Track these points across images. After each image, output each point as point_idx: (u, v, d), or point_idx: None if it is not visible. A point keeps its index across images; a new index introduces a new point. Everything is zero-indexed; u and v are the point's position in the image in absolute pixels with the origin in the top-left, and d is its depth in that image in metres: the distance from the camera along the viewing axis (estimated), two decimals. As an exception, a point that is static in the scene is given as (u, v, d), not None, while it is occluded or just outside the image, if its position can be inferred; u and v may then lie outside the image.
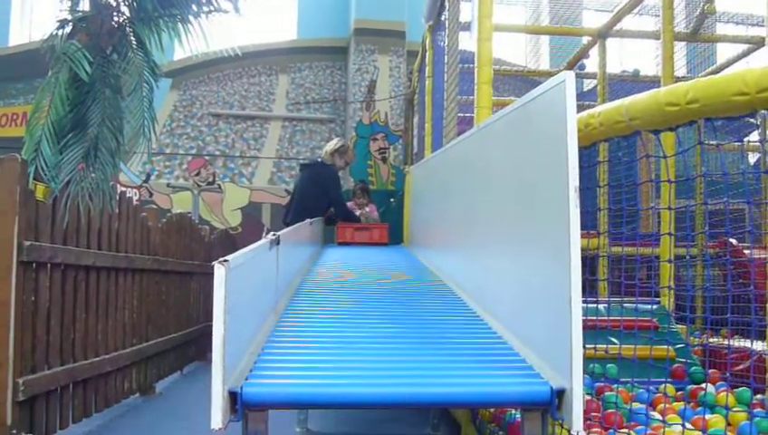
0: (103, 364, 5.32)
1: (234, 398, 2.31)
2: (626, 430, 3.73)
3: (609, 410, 4.31)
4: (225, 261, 2.29)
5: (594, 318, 5.10)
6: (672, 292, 7.28)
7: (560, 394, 2.37)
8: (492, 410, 4.51)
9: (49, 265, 4.57)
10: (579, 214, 2.40)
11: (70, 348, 4.87)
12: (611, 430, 3.84)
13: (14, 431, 4.05)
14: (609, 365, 5.39)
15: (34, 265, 4.41)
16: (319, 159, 8.81)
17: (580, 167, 2.45)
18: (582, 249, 2.39)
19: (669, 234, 5.91)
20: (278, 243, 3.72)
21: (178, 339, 7.36)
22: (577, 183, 2.38)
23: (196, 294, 8.20)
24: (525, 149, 3.02)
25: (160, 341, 6.72)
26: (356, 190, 9.84)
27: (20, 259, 4.19)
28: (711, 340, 6.69)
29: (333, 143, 8.64)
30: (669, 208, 5.15)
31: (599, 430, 3.82)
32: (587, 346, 4.33)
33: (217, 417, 2.23)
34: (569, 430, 2.81)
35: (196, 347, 8.11)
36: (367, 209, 9.43)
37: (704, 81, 2.65)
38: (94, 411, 5.26)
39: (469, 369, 2.71)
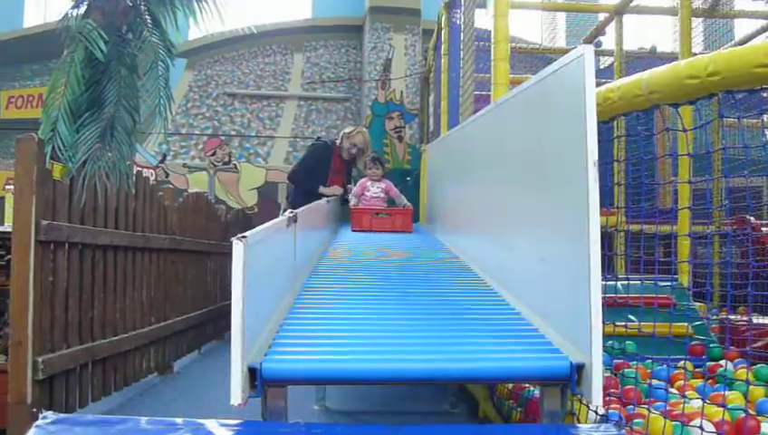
0: (122, 343, 5.34)
1: (253, 374, 2.31)
2: (645, 406, 3.72)
3: (628, 386, 4.29)
4: (244, 237, 2.29)
5: (612, 295, 5.08)
6: (690, 269, 7.25)
7: (579, 369, 2.36)
8: (510, 386, 4.50)
9: (67, 244, 4.58)
10: (598, 188, 2.38)
11: (88, 327, 4.89)
12: (630, 407, 3.83)
13: (34, 409, 4.07)
14: (627, 342, 5.37)
15: (52, 244, 4.42)
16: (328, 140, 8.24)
17: (599, 142, 2.43)
18: (600, 227, 2.38)
19: (688, 208, 5.87)
20: (296, 221, 3.71)
21: (196, 318, 7.38)
22: (596, 157, 2.36)
23: (213, 273, 8.21)
24: (544, 125, 3.00)
25: (178, 320, 6.74)
26: (366, 161, 7.64)
27: (38, 239, 4.20)
28: (729, 317, 6.65)
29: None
30: (688, 182, 5.10)
31: (617, 406, 3.80)
32: (606, 323, 4.33)
33: (237, 393, 2.23)
34: (588, 406, 2.80)
35: (213, 326, 8.13)
36: (381, 187, 7.52)
37: (724, 53, 2.62)
38: (113, 390, 5.28)
39: (488, 345, 2.70)
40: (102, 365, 5.08)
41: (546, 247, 2.90)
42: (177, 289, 6.85)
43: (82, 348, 4.74)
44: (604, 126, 3.24)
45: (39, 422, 2.21)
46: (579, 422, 2.95)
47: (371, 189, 7.49)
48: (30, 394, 4.11)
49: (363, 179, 7.58)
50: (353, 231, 6.91)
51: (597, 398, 2.30)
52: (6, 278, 4.73)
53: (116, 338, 5.25)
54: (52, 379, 4.36)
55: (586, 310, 2.35)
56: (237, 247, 2.25)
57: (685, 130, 3.36)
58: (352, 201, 7.39)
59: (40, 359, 4.17)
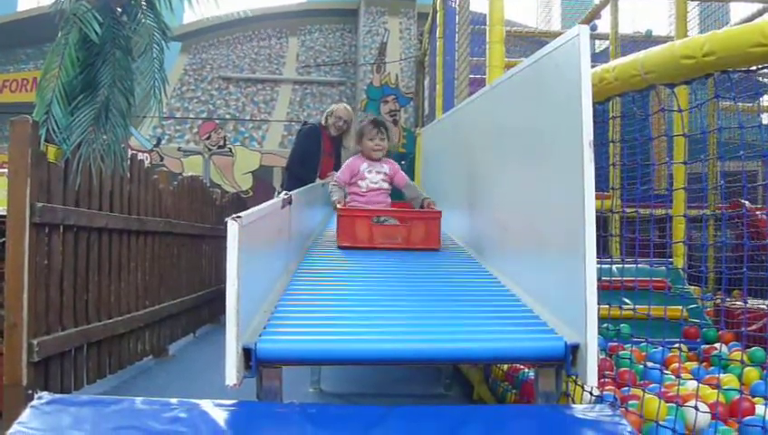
0: (116, 326, 5.34)
1: (248, 354, 2.31)
2: (639, 388, 3.73)
3: (623, 368, 4.31)
4: (239, 217, 2.28)
5: (607, 278, 5.09)
6: (685, 252, 7.27)
7: (574, 350, 2.36)
8: (504, 368, 4.52)
9: (61, 226, 4.57)
10: (593, 169, 2.38)
11: (83, 310, 4.89)
12: (625, 388, 3.85)
13: (30, 391, 4.08)
14: (621, 325, 5.38)
15: (47, 227, 4.41)
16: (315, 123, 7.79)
17: (594, 123, 2.43)
18: (596, 211, 2.38)
19: (683, 188, 5.88)
20: (290, 202, 3.71)
21: (191, 302, 7.38)
22: (591, 138, 2.36)
23: (208, 257, 8.20)
24: (539, 106, 2.99)
25: (173, 303, 6.74)
26: (362, 128, 5.13)
27: (32, 221, 4.19)
28: (723, 300, 6.67)
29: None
30: (683, 163, 5.11)
31: (612, 387, 3.82)
32: (600, 306, 4.34)
33: (232, 373, 2.23)
34: (583, 387, 2.81)
35: (208, 310, 8.14)
36: (384, 171, 5.04)
37: (720, 33, 2.61)
38: (108, 373, 5.29)
39: (483, 325, 2.70)
40: (97, 348, 5.08)
41: (542, 228, 2.90)
42: (172, 272, 6.84)
43: (77, 330, 4.73)
44: (600, 107, 3.23)
45: (34, 403, 2.21)
46: (574, 403, 2.96)
47: (369, 176, 4.97)
48: (25, 376, 4.11)
49: (353, 159, 5.06)
50: (340, 248, 4.46)
51: (592, 378, 2.30)
52: (1, 261, 4.73)
53: (111, 321, 5.25)
54: (47, 361, 4.36)
55: (581, 291, 2.35)
56: (232, 228, 2.25)
57: (680, 111, 3.35)
58: (336, 195, 4.83)
59: (35, 341, 4.17)
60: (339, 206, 4.67)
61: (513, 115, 3.48)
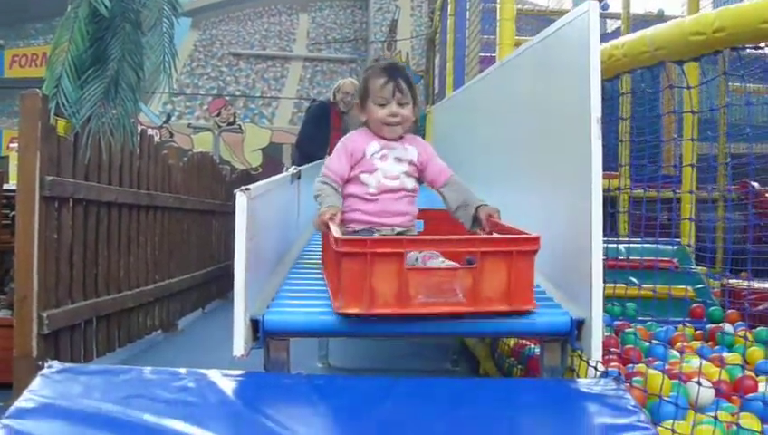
0: (126, 300, 5.38)
1: (255, 326, 2.33)
2: (644, 364, 3.75)
3: (628, 346, 4.33)
4: (247, 189, 2.30)
5: (614, 258, 5.10)
6: (692, 233, 7.27)
7: (579, 325, 2.38)
8: (510, 344, 4.54)
9: (71, 200, 4.60)
10: (600, 146, 2.38)
11: (93, 284, 4.92)
12: (630, 365, 3.87)
13: (40, 363, 4.12)
14: (628, 304, 5.40)
15: (57, 201, 4.44)
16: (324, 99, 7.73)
17: (603, 100, 2.43)
18: (603, 190, 2.39)
19: (691, 165, 5.87)
20: (299, 177, 3.72)
21: (200, 277, 7.42)
22: (599, 114, 2.36)
23: (217, 233, 8.24)
24: (548, 82, 3.00)
25: (182, 278, 6.78)
26: (369, 79, 2.85)
27: (42, 194, 4.22)
28: (731, 281, 6.68)
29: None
30: (691, 140, 5.10)
31: (617, 364, 3.84)
32: (607, 285, 4.36)
33: (239, 344, 2.26)
34: (587, 362, 2.83)
35: (217, 286, 8.17)
36: (411, 153, 2.88)
37: (731, 9, 2.61)
38: (117, 346, 5.34)
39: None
40: (107, 321, 5.12)
41: (549, 204, 2.91)
42: (182, 248, 6.88)
43: (87, 304, 4.77)
44: (608, 84, 3.23)
45: (44, 372, 2.24)
46: (579, 378, 2.98)
47: (382, 166, 2.86)
48: (35, 348, 4.15)
49: (355, 135, 2.95)
50: (338, 313, 2.37)
51: (597, 353, 2.32)
52: (11, 236, 4.76)
53: (120, 295, 5.30)
54: (57, 334, 4.41)
55: (587, 267, 2.36)
56: (240, 199, 2.27)
57: (689, 88, 3.35)
58: (325, 202, 2.75)
59: (45, 314, 4.21)
60: (332, 227, 2.47)
61: (523, 92, 3.49)
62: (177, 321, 6.73)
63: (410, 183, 2.88)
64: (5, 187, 6.13)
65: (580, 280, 2.41)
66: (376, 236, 2.70)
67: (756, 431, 2.79)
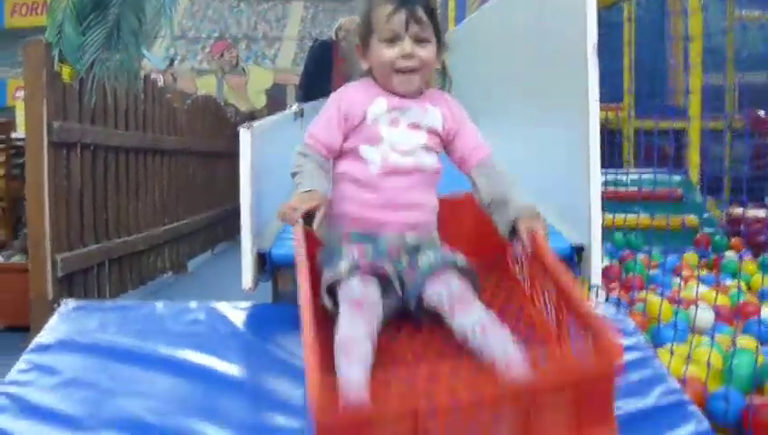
0: (136, 243, 5.46)
1: (263, 259, 2.40)
2: (644, 291, 3.82)
3: (631, 274, 4.39)
4: (250, 126, 2.35)
5: (621, 189, 5.15)
6: (698, 164, 7.30)
7: (579, 251, 2.44)
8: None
9: (79, 145, 4.64)
10: (597, 73, 2.41)
11: (103, 227, 4.99)
12: (632, 292, 3.94)
13: (56, 305, 4.20)
14: (632, 234, 5.46)
15: (65, 147, 4.48)
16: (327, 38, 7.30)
17: (603, 29, 2.46)
18: (608, 121, 2.43)
19: (699, 93, 5.88)
20: (302, 115, 3.76)
21: (208, 219, 7.49)
22: (595, 41, 2.39)
23: (223, 175, 8.27)
24: (545, 12, 3.02)
25: (190, 221, 6.85)
26: (373, 11, 1.97)
27: (50, 140, 4.25)
28: (736, 210, 6.73)
29: None
30: (700, 64, 5.10)
31: (619, 291, 3.91)
32: (613, 215, 4.42)
33: (247, 277, 2.33)
34: (589, 288, 2.90)
35: (225, 227, 8.23)
36: (433, 115, 2.02)
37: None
38: (129, 288, 5.42)
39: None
40: (118, 264, 5.20)
41: (548, 133, 2.95)
42: (189, 191, 6.93)
43: (98, 247, 4.85)
44: (605, 13, 3.24)
45: (61, 309, 2.32)
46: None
47: (389, 133, 1.98)
48: (51, 291, 4.23)
49: (352, 88, 2.07)
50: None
51: (596, 278, 2.38)
52: (22, 184, 4.82)
53: (130, 238, 5.36)
54: (71, 277, 4.48)
55: (586, 194, 2.41)
56: (244, 135, 2.32)
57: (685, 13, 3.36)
58: (305, 183, 1.96)
59: (58, 257, 4.28)
60: (315, 226, 1.91)
61: (521, 24, 3.50)
62: (187, 262, 6.81)
63: (430, 160, 1.99)
64: (14, 136, 6.17)
65: (578, 206, 2.47)
66: (383, 240, 1.90)
67: (752, 351, 2.86)
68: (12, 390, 1.85)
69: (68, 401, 1.82)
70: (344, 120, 1.97)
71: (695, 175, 7.12)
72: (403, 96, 1.98)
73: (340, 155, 2.01)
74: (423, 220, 1.98)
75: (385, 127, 1.95)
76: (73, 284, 4.54)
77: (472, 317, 1.73)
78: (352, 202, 1.96)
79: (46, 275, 4.20)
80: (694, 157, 7.33)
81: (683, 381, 2.64)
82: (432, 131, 2.00)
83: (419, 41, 1.92)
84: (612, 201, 4.64)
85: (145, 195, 5.76)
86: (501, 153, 2.68)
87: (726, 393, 2.63)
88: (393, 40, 1.91)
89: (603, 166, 2.48)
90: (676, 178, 6.73)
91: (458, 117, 2.07)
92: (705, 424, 1.86)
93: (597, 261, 2.35)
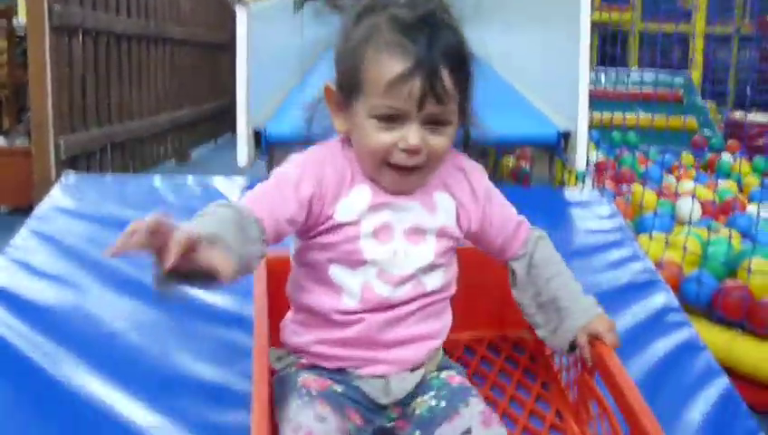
0: (139, 129, 5.51)
1: (258, 138, 2.46)
2: (636, 184, 3.88)
3: (625, 168, 4.46)
4: (246, 4, 2.38)
5: (621, 88, 5.18)
6: (701, 65, 7.29)
7: (566, 137, 2.50)
8: (510, 165, 4.68)
9: (80, 30, 4.65)
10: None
11: (106, 112, 5.04)
12: (623, 185, 4.01)
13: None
14: (629, 133, 5.51)
15: (66, 31, 4.49)
16: None
17: None
18: (614, 22, 2.47)
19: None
20: (302, 5, 3.75)
21: (211, 110, 7.53)
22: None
23: (227, 67, 8.24)
24: None
25: (193, 110, 6.89)
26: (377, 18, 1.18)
27: (52, 25, 4.25)
28: (737, 114, 6.76)
29: None
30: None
31: (610, 182, 3.97)
32: (609, 113, 4.47)
33: (243, 154, 2.40)
34: (576, 176, 2.98)
35: (229, 119, 8.22)
36: (434, 205, 1.27)
37: None
38: (132, 174, 5.49)
39: (483, 115, 2.82)
40: (121, 150, 5.26)
41: (541, 27, 2.98)
42: (192, 80, 6.96)
43: (101, 132, 4.90)
44: None
45: (62, 180, 2.40)
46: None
47: (379, 247, 1.22)
48: (54, 174, 4.30)
49: (329, 150, 1.26)
50: None
51: (581, 163, 2.45)
52: (25, 72, 4.83)
53: (133, 124, 5.42)
54: (74, 160, 4.54)
55: (575, 82, 2.46)
56: (240, 14, 2.35)
57: None
58: (203, 222, 1.03)
59: (61, 140, 4.33)
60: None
61: None
62: (190, 151, 6.89)
63: (440, 280, 1.28)
64: (16, 23, 6.15)
65: (567, 95, 2.52)
66: (359, 385, 1.24)
67: (725, 239, 2.94)
68: (14, 254, 1.92)
69: (66, 264, 1.89)
70: (304, 202, 1.18)
71: (697, 78, 7.11)
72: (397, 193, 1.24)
73: (301, 247, 1.27)
74: (425, 355, 1.29)
75: (369, 241, 1.22)
76: (76, 167, 4.58)
77: None
78: (313, 333, 1.27)
79: (49, 158, 4.27)
80: (698, 59, 7.31)
81: (659, 264, 2.72)
82: (444, 234, 1.27)
83: (434, 123, 1.16)
84: (612, 100, 4.69)
85: (147, 83, 5.79)
86: (498, 45, 2.73)
87: (700, 276, 2.72)
88: (394, 120, 1.15)
89: (605, 65, 2.53)
90: (679, 79, 6.73)
91: (482, 193, 1.32)
92: (675, 302, 1.93)
93: (582, 147, 2.42)
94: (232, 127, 8.15)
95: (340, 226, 1.20)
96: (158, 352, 1.58)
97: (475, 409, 1.18)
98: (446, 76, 1.12)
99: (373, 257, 1.21)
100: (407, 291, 1.24)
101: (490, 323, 1.53)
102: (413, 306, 1.25)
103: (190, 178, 2.41)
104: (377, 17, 1.16)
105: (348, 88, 1.19)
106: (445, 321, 1.32)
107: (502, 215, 1.35)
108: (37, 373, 1.48)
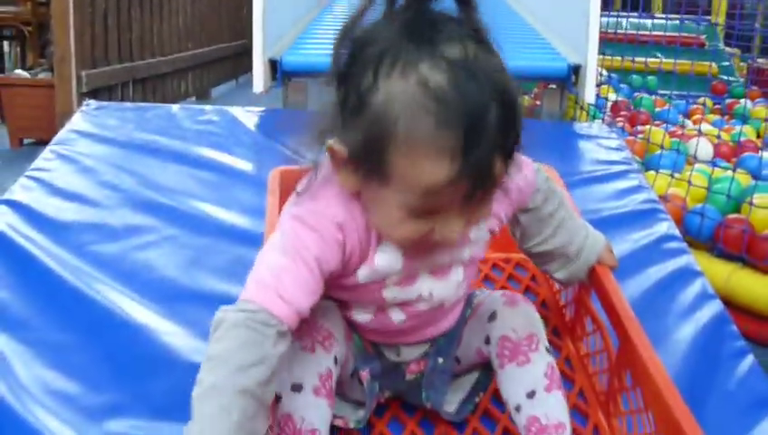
0: (160, 65, 5.57)
1: (274, 67, 2.51)
2: (649, 126, 3.89)
3: (641, 109, 4.46)
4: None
5: (644, 32, 5.15)
6: (725, 12, 7.22)
7: (576, 70, 2.53)
8: (526, 105, 4.70)
9: (103, -36, 4.69)
10: None
11: (127, 48, 5.08)
12: (638, 126, 4.03)
13: (80, 112, 4.35)
14: (649, 77, 5.50)
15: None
16: None
17: None
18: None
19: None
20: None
21: (233, 48, 7.55)
22: None
23: (249, 5, 8.25)
24: None
25: (214, 48, 6.93)
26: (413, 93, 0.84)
27: (74, -46, 4.30)
28: (760, 61, 6.71)
29: None
30: None
31: (624, 122, 3.98)
32: (630, 58, 4.46)
33: (259, 82, 2.45)
34: (587, 112, 3.01)
35: (249, 59, 8.26)
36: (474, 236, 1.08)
37: None
38: (153, 109, 5.56)
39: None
40: (142, 85, 5.32)
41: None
42: (213, 19, 6.98)
43: (123, 67, 4.95)
44: None
45: (83, 108, 2.45)
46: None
47: (409, 292, 1.07)
48: (76, 106, 4.36)
49: (342, 209, 0.98)
50: None
51: (590, 96, 2.49)
52: (48, 9, 4.86)
53: (154, 60, 5.47)
54: (95, 93, 4.59)
55: (585, 16, 2.49)
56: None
57: None
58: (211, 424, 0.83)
59: (83, 73, 4.40)
60: None
61: None
62: (211, 90, 6.95)
63: (473, 271, 1.17)
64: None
65: (577, 28, 2.55)
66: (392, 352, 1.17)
67: (731, 177, 2.94)
68: (37, 175, 1.98)
69: (88, 184, 1.95)
70: (325, 277, 0.98)
71: (720, 24, 7.04)
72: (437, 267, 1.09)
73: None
74: (454, 320, 1.19)
75: (392, 289, 1.06)
76: (98, 100, 4.67)
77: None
78: (355, 324, 1.15)
79: (71, 90, 4.34)
80: (722, 4, 7.25)
81: (664, 197, 2.75)
82: (473, 262, 1.14)
83: (473, 213, 0.93)
84: (633, 44, 4.68)
85: (169, 20, 5.82)
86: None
87: (703, 210, 2.75)
88: (429, 214, 0.91)
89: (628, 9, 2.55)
90: (699, 25, 6.67)
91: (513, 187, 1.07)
92: (675, 231, 1.97)
93: (591, 80, 2.45)
94: (251, 67, 8.26)
95: (363, 284, 1.04)
96: (174, 266, 1.64)
97: (495, 293, 1.18)
98: (498, 165, 0.86)
99: (394, 297, 1.06)
100: (443, 299, 1.10)
101: (494, 246, 1.49)
102: (450, 302, 1.13)
103: (208, 107, 2.46)
104: (403, 81, 0.84)
105: (367, 168, 0.91)
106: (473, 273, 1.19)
107: (519, 183, 1.12)
108: (58, 281, 1.54)
